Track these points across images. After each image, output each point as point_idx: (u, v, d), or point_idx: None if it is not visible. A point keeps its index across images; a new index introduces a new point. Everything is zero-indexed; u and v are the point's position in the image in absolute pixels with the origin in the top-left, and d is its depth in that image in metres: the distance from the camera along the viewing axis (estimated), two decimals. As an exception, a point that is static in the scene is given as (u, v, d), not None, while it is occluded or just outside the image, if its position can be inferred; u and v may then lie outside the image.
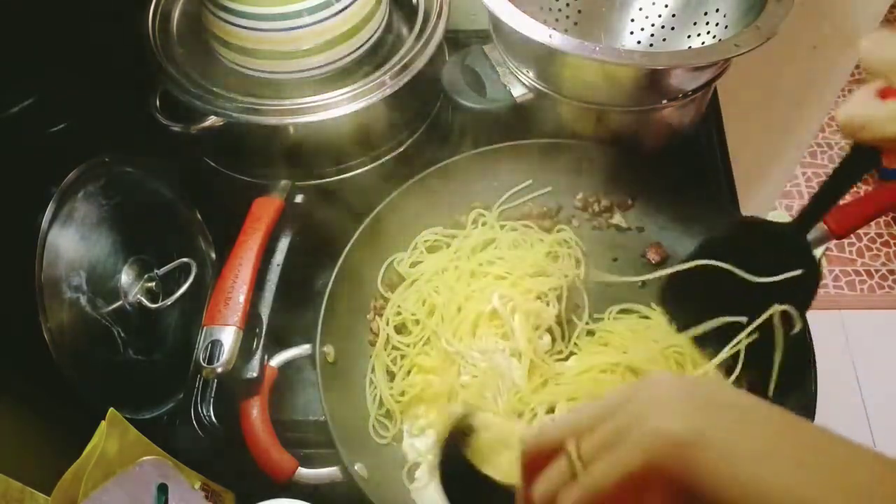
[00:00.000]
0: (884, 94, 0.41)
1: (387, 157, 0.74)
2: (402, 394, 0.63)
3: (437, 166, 0.71)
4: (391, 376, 0.65)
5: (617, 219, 0.73)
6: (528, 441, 0.36)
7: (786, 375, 0.62)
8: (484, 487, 0.40)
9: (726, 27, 0.76)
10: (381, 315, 0.67)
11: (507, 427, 0.42)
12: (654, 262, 0.71)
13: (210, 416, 0.66)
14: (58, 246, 0.58)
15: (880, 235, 1.90)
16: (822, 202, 0.55)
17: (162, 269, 0.68)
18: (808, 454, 0.31)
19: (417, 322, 0.66)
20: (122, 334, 0.64)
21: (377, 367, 0.65)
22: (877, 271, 1.84)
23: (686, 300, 0.61)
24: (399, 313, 0.67)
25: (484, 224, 0.72)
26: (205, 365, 0.56)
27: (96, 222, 0.63)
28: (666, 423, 0.31)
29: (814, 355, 0.60)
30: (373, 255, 0.69)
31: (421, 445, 0.61)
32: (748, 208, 1.26)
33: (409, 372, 0.64)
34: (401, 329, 0.67)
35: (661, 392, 0.33)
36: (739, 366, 0.62)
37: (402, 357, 0.65)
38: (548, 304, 0.65)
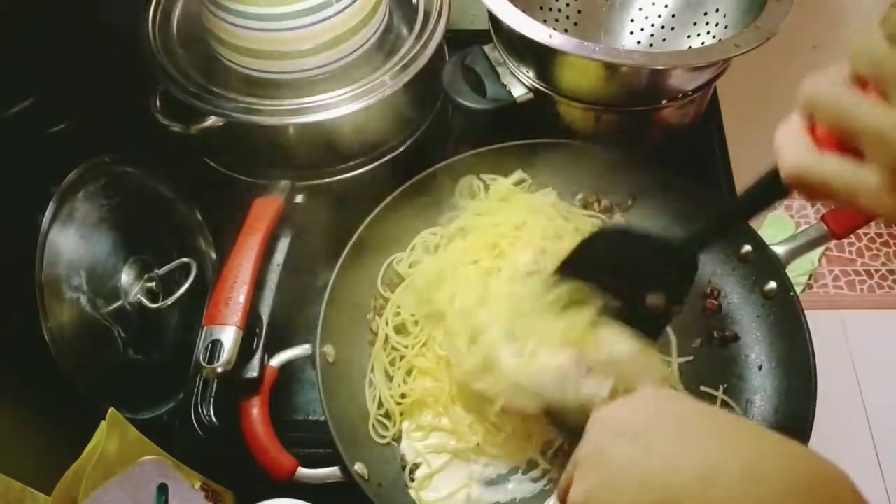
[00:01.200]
0: (819, 140, 0.36)
1: (387, 157, 0.74)
2: (403, 396, 0.63)
3: (438, 166, 0.71)
4: (390, 377, 0.65)
5: (617, 219, 0.73)
6: None
7: (786, 375, 0.63)
8: None
9: (726, 27, 0.76)
10: (380, 315, 0.68)
11: None
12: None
13: (210, 416, 0.66)
14: (58, 246, 0.58)
15: (880, 235, 1.90)
16: (724, 224, 0.52)
17: (162, 269, 0.68)
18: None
19: (416, 323, 0.66)
20: (122, 334, 0.64)
21: (376, 367, 0.65)
22: (877, 271, 1.84)
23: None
24: (398, 313, 0.67)
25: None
26: (205, 365, 0.56)
27: (96, 222, 0.63)
28: (571, 497, 0.38)
29: (814, 355, 0.60)
30: (373, 255, 0.69)
31: (421, 446, 0.61)
32: (748, 208, 1.25)
33: (408, 372, 0.64)
34: (400, 329, 0.67)
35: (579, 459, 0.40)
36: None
37: (401, 358, 0.65)
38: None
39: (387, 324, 0.66)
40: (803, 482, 0.32)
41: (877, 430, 1.58)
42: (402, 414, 0.63)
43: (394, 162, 0.74)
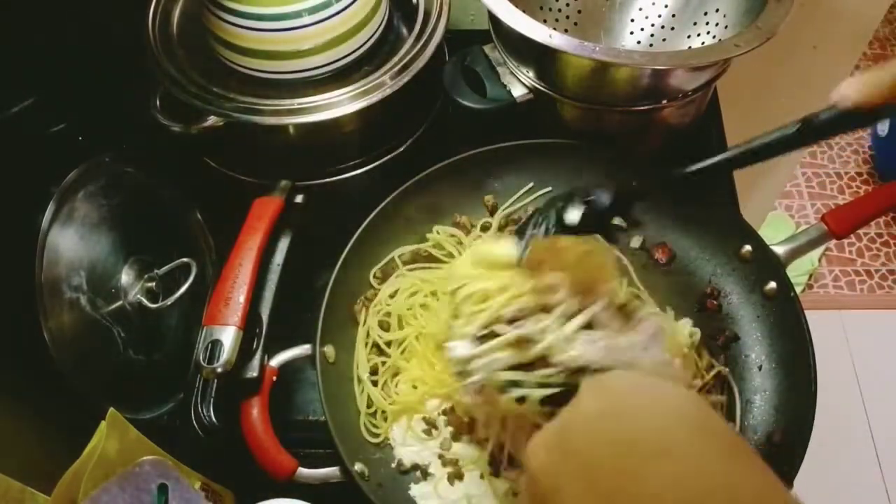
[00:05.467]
0: None
1: (387, 157, 0.74)
2: (393, 404, 0.63)
3: (437, 167, 0.71)
4: (375, 374, 0.64)
5: (617, 219, 0.73)
6: None
7: (786, 375, 0.63)
8: None
9: (726, 27, 0.76)
10: (367, 307, 0.67)
11: None
12: (662, 262, 0.71)
13: (210, 416, 0.65)
14: (58, 246, 0.58)
15: (880, 235, 1.91)
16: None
17: (162, 269, 0.68)
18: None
19: (400, 322, 0.66)
20: (122, 334, 0.64)
21: (360, 363, 0.64)
22: (877, 271, 1.84)
23: None
24: (388, 313, 0.67)
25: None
26: (205, 365, 0.56)
27: (96, 222, 0.63)
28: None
29: (814, 355, 0.60)
30: (373, 256, 0.69)
31: (414, 448, 0.61)
32: (748, 208, 1.26)
33: (394, 375, 0.64)
34: (384, 325, 0.67)
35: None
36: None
37: (387, 359, 0.65)
38: None
39: (373, 316, 0.66)
40: None
41: (877, 430, 1.58)
42: (392, 407, 0.63)
43: (394, 162, 0.74)
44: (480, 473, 0.59)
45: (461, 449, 0.60)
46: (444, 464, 0.60)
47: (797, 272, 1.74)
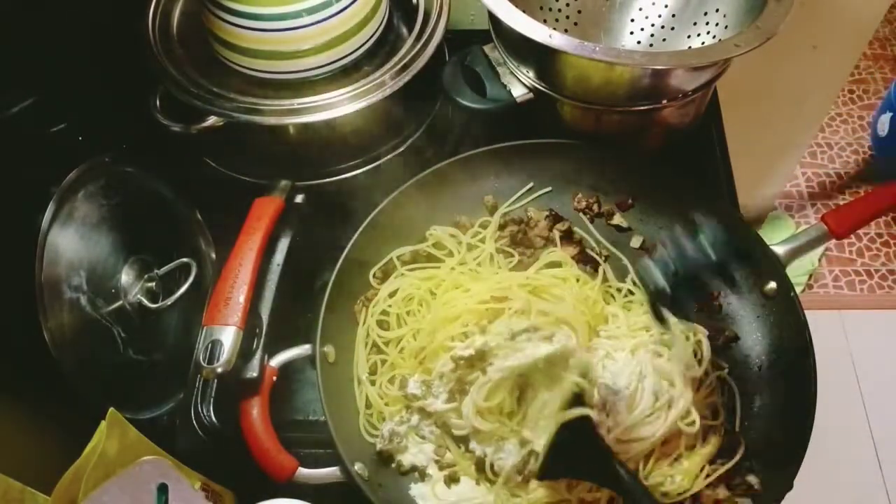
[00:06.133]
0: None
1: (387, 157, 0.74)
2: (387, 404, 0.63)
3: (437, 166, 0.71)
4: (373, 379, 0.65)
5: (617, 219, 0.73)
6: None
7: (786, 376, 0.63)
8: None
9: (726, 27, 0.76)
10: (366, 306, 0.67)
11: None
12: (661, 262, 0.71)
13: (210, 416, 0.66)
14: (58, 246, 0.58)
15: (880, 235, 1.90)
16: None
17: (162, 269, 0.68)
18: None
19: (399, 321, 0.66)
20: (122, 334, 0.64)
21: (360, 364, 0.65)
22: (877, 271, 1.84)
23: None
24: (385, 312, 0.67)
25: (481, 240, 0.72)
26: (205, 365, 0.56)
27: (96, 222, 0.63)
28: None
29: (814, 355, 0.60)
30: (372, 256, 0.69)
31: (414, 448, 0.61)
32: (748, 208, 1.26)
33: (391, 381, 0.64)
34: (383, 324, 0.67)
35: None
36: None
37: (386, 357, 0.65)
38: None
39: (372, 316, 0.66)
40: None
41: (877, 430, 1.58)
42: (386, 404, 0.63)
43: (394, 162, 0.74)
44: (476, 479, 0.59)
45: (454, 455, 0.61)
46: (441, 467, 0.61)
47: (797, 272, 1.74)
